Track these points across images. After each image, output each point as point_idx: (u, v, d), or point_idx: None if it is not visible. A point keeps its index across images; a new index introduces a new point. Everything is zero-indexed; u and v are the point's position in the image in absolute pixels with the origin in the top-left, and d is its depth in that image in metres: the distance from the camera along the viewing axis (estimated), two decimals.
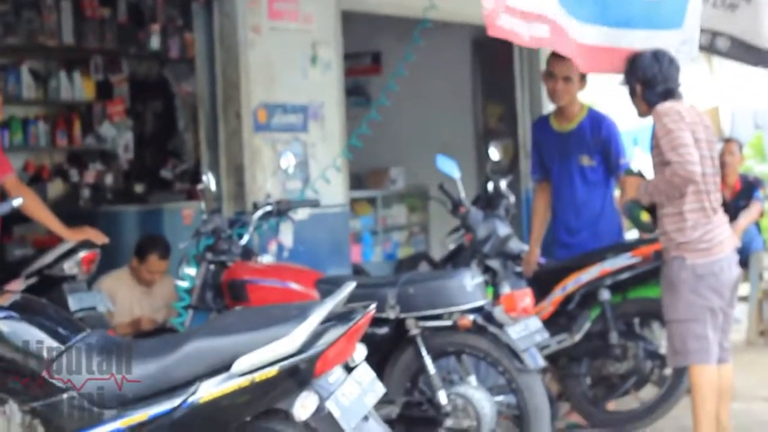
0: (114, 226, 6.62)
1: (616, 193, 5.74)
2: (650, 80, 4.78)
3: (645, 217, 4.87)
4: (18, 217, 5.07)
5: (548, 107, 6.37)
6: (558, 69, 5.63)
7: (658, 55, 4.81)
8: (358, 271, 7.84)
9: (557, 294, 5.47)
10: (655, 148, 4.72)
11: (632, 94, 4.89)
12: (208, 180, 4.89)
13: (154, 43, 8.35)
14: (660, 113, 4.67)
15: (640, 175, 4.96)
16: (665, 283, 4.77)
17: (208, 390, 3.19)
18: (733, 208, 7.45)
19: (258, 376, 3.16)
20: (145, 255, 5.93)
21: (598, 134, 5.66)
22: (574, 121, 5.74)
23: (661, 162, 4.68)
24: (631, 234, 6.18)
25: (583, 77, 5.66)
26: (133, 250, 6.02)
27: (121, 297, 5.82)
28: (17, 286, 4.77)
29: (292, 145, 6.43)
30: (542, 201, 5.90)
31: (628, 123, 12.25)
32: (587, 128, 5.69)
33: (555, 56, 5.56)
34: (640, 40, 4.91)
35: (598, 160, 5.69)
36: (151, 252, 5.94)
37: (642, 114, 4.98)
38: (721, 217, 4.80)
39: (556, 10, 4.44)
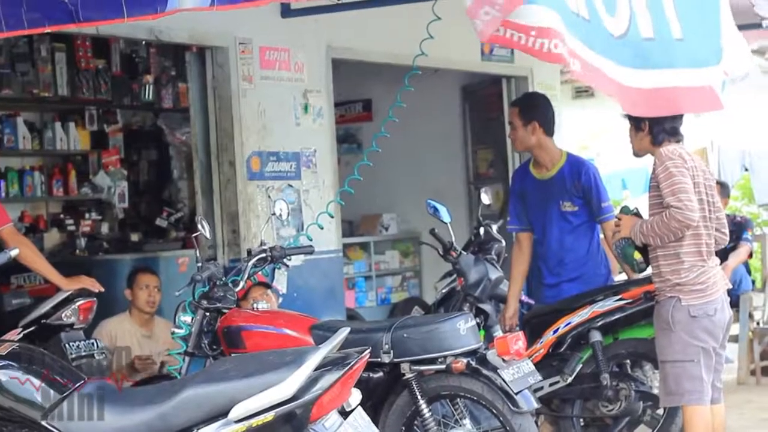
0: (110, 275, 6.66)
1: (602, 235, 5.79)
2: (659, 116, 4.72)
3: (637, 256, 4.88)
4: (15, 266, 5.12)
5: None
6: (510, 116, 5.81)
7: None
8: (352, 316, 7.90)
9: (549, 336, 5.49)
10: (653, 188, 4.73)
11: (638, 128, 4.86)
12: (203, 228, 4.93)
13: (148, 93, 8.47)
14: (663, 155, 4.67)
15: (636, 214, 4.93)
16: (659, 323, 4.78)
17: None
18: (721, 250, 7.48)
19: (254, 422, 3.19)
20: (134, 277, 6.05)
21: (577, 180, 5.68)
22: (554, 169, 5.74)
23: (658, 203, 4.70)
24: (620, 276, 6.22)
25: (528, 123, 5.66)
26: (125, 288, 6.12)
27: (121, 341, 5.86)
28: (15, 335, 4.79)
29: (286, 192, 6.51)
30: (521, 254, 5.79)
31: (618, 164, 12.31)
32: (566, 174, 5.70)
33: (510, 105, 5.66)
34: (683, 79, 4.70)
35: (579, 204, 5.70)
36: (137, 272, 6.09)
37: (639, 151, 4.94)
38: (715, 260, 4.85)
39: (581, 47, 4.07)
